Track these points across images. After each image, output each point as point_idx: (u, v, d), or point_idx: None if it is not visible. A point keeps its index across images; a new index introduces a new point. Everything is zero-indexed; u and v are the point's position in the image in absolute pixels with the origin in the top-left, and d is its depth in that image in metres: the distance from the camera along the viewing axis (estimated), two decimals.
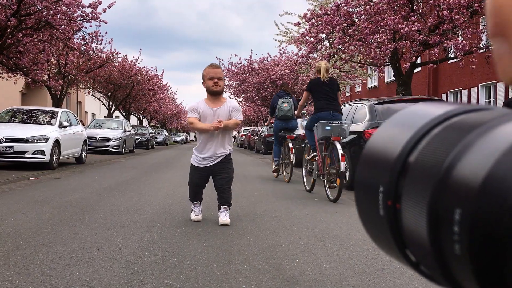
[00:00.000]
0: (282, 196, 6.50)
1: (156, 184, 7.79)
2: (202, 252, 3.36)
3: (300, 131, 13.89)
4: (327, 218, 4.83)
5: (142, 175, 9.56)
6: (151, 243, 3.56)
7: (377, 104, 8.03)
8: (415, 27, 10.32)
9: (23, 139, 10.29)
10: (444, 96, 22.50)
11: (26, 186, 7.50)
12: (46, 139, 10.57)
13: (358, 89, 32.14)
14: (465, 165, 0.24)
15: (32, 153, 10.31)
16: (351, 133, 8.13)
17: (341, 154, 5.84)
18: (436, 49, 10.83)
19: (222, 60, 29.81)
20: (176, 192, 6.70)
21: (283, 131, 9.29)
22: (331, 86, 6.76)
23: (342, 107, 10.06)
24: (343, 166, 5.82)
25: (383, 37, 10.83)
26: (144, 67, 29.77)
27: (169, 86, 38.78)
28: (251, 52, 34.23)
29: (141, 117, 41.41)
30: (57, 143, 11.04)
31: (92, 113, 43.68)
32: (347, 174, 8.01)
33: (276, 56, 25.61)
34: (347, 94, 32.97)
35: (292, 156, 8.82)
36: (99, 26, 14.71)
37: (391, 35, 11.03)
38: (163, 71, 33.60)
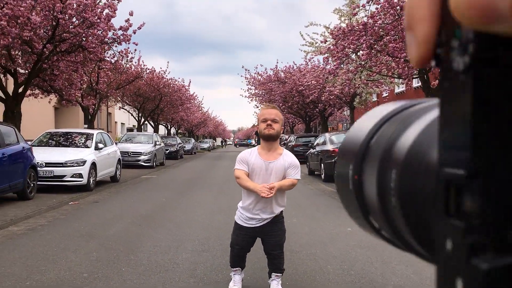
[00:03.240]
0: (316, 225, 6.64)
1: (190, 211, 8.04)
2: None
3: (329, 147, 14.00)
4: (362, 255, 4.95)
5: (176, 198, 9.84)
6: None
7: None
8: None
9: (61, 163, 10.74)
10: None
11: (68, 214, 7.86)
12: (84, 162, 11.00)
13: (385, 94, 31.95)
14: (401, 139, 0.32)
15: (71, 177, 10.75)
16: None
17: None
18: None
19: (248, 70, 29.88)
20: (211, 222, 6.92)
21: None
22: None
23: None
24: None
25: None
26: (171, 78, 30.37)
27: (195, 95, 39.35)
28: (277, 62, 34.34)
29: (169, 126, 42.09)
30: (93, 165, 11.46)
31: (121, 123, 44.60)
32: None
33: (301, 64, 25.75)
34: (374, 99, 32.78)
35: None
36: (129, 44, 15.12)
37: None
38: (190, 81, 34.15)
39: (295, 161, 3.63)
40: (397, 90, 30.34)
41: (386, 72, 13.77)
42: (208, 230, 6.36)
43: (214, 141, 75.52)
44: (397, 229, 0.32)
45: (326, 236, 5.95)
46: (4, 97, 12.82)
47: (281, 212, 3.67)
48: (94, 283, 4.02)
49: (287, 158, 3.60)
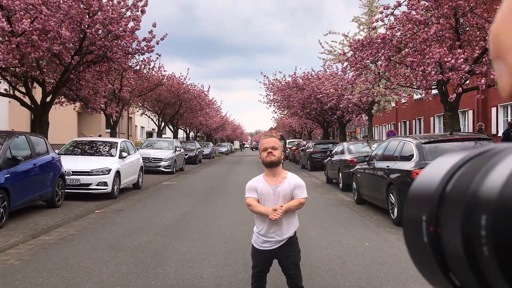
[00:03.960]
0: (333, 239, 6.86)
1: (212, 221, 8.33)
2: None
3: (347, 156, 14.18)
4: (380, 272, 5.16)
5: (197, 207, 10.16)
6: None
7: (424, 143, 8.27)
8: (461, 59, 10.44)
9: (88, 171, 11.17)
10: (494, 110, 22.07)
11: (95, 222, 8.23)
12: (108, 171, 11.41)
13: (403, 101, 31.90)
14: (486, 183, 0.30)
15: (96, 185, 11.17)
16: (398, 170, 8.41)
17: None
18: (483, 80, 10.88)
19: (267, 76, 30.14)
20: (233, 234, 7.20)
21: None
22: None
23: (388, 142, 10.32)
24: None
25: (429, 69, 10.98)
26: (191, 84, 30.87)
27: (214, 100, 39.82)
28: (295, 68, 34.48)
29: (188, 130, 42.64)
30: (117, 173, 11.87)
31: (141, 127, 45.32)
32: (395, 209, 8.31)
33: (320, 71, 25.93)
34: (393, 105, 32.71)
35: None
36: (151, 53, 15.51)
37: (437, 66, 11.17)
38: (209, 87, 34.60)
39: (300, 181, 3.90)
40: (416, 97, 30.29)
41: (404, 83, 13.90)
42: (230, 242, 6.63)
43: (232, 144, 76.04)
44: (489, 283, 0.30)
45: (344, 251, 6.17)
46: (33, 106, 13.33)
47: (295, 233, 3.90)
48: None
49: (292, 180, 3.86)
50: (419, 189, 0.37)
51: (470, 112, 23.56)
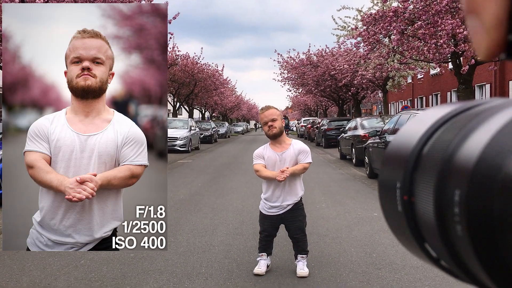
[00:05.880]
0: (343, 210, 6.99)
1: (225, 195, 8.53)
2: (269, 279, 3.97)
3: (360, 131, 14.20)
4: (385, 239, 5.28)
5: (211, 183, 10.36)
6: (231, 273, 4.22)
7: None
8: None
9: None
10: (511, 84, 21.71)
11: None
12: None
13: (420, 76, 31.51)
14: (463, 150, 0.26)
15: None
16: None
17: None
18: None
19: (281, 54, 30.01)
20: (245, 206, 7.38)
21: None
22: None
23: (399, 115, 10.32)
24: None
25: (441, 41, 10.88)
26: (205, 63, 30.94)
27: (229, 80, 39.85)
28: (309, 46, 34.22)
29: (203, 110, 42.87)
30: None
31: None
32: None
33: (334, 48, 25.74)
34: (409, 81, 32.33)
35: None
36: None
37: (450, 38, 11.05)
38: (223, 66, 34.61)
39: (304, 147, 4.08)
40: (432, 71, 29.89)
41: (417, 56, 13.78)
42: (241, 214, 6.80)
43: (247, 124, 76.22)
44: (463, 262, 0.27)
45: (352, 220, 6.29)
46: None
47: (301, 199, 4.10)
48: (140, 263, 4.53)
49: (296, 146, 4.05)
50: (395, 150, 0.34)
51: (488, 86, 23.21)
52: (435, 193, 0.27)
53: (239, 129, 54.21)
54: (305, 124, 36.46)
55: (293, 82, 32.58)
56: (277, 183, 3.95)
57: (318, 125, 26.10)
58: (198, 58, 29.59)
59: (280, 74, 32.10)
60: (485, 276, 0.25)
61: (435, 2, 11.17)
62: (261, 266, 4.13)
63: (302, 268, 4.08)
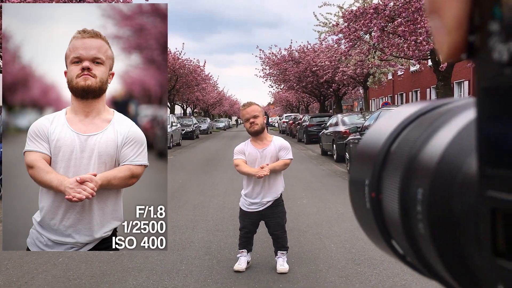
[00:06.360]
0: (324, 206, 7.04)
1: (206, 192, 8.50)
2: (249, 276, 3.98)
3: (341, 128, 14.30)
4: (364, 235, 5.32)
5: (192, 179, 10.32)
6: (211, 269, 4.22)
7: None
8: None
9: None
10: None
11: None
12: None
13: (400, 73, 31.86)
14: (427, 149, 0.27)
15: None
16: None
17: None
18: None
19: (263, 50, 30.01)
20: (225, 203, 7.37)
21: None
22: None
23: (379, 111, 10.42)
24: None
25: (420, 38, 11.01)
26: (186, 59, 30.76)
27: (211, 75, 39.69)
28: (291, 42, 34.29)
29: (184, 106, 42.64)
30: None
31: None
32: None
33: (315, 44, 25.84)
34: (390, 78, 32.67)
35: None
36: None
37: (429, 36, 11.19)
38: (205, 61, 34.47)
39: (285, 143, 4.09)
40: (412, 68, 30.24)
41: (397, 53, 13.93)
42: (222, 211, 6.80)
43: (229, 120, 76.11)
44: (426, 259, 0.28)
45: (333, 216, 6.34)
46: None
47: (281, 195, 4.10)
48: (119, 260, 4.49)
49: (277, 142, 4.06)
50: (364, 148, 0.34)
51: (466, 82, 23.59)
52: (400, 191, 0.28)
53: (221, 125, 54.11)
54: (287, 120, 36.58)
55: (275, 78, 32.64)
56: (257, 179, 3.95)
57: (299, 121, 26.22)
58: (180, 54, 29.42)
59: (262, 70, 32.11)
60: (446, 273, 0.26)
61: (414, 0, 11.30)
62: (241, 262, 4.13)
63: (282, 264, 4.10)
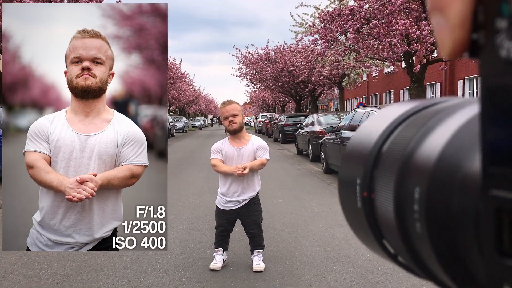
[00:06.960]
0: (299, 205, 7.08)
1: (182, 191, 8.45)
2: (225, 274, 3.98)
3: (317, 128, 14.41)
4: (339, 233, 5.40)
5: (168, 178, 10.23)
6: (186, 268, 4.20)
7: None
8: (426, 31, 10.66)
9: None
10: (460, 83, 22.61)
11: None
12: None
13: (374, 74, 32.30)
14: (423, 148, 0.26)
15: None
16: None
17: None
18: None
19: (239, 49, 29.98)
20: (201, 201, 7.34)
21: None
22: None
23: (354, 112, 10.55)
24: None
25: (394, 40, 11.19)
26: None
27: (187, 74, 39.43)
28: (268, 41, 34.38)
29: None
30: None
31: None
32: None
33: (292, 44, 25.97)
34: (364, 79, 33.07)
35: None
36: None
37: (403, 38, 11.39)
38: (181, 60, 34.28)
39: (262, 143, 4.10)
40: (386, 70, 30.71)
41: (372, 55, 14.12)
42: (198, 209, 6.77)
43: (205, 118, 75.84)
44: (421, 259, 0.28)
45: (308, 215, 6.38)
46: None
47: (257, 194, 4.11)
48: (93, 259, 4.42)
49: (255, 142, 4.07)
50: (355, 147, 0.34)
51: (438, 85, 24.08)
52: (395, 190, 0.28)
53: (197, 123, 53.87)
54: (263, 120, 36.65)
55: (251, 77, 32.66)
56: (234, 178, 3.95)
57: (275, 121, 26.30)
58: None
59: (239, 69, 32.10)
60: (442, 273, 0.25)
61: (389, 2, 11.47)
62: (217, 261, 4.13)
63: (258, 263, 4.12)
